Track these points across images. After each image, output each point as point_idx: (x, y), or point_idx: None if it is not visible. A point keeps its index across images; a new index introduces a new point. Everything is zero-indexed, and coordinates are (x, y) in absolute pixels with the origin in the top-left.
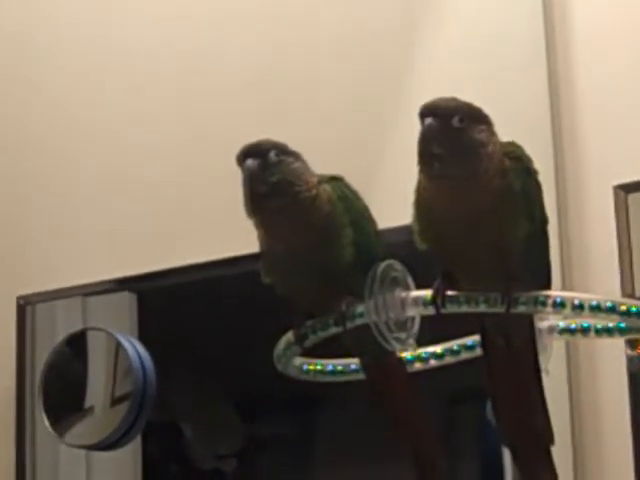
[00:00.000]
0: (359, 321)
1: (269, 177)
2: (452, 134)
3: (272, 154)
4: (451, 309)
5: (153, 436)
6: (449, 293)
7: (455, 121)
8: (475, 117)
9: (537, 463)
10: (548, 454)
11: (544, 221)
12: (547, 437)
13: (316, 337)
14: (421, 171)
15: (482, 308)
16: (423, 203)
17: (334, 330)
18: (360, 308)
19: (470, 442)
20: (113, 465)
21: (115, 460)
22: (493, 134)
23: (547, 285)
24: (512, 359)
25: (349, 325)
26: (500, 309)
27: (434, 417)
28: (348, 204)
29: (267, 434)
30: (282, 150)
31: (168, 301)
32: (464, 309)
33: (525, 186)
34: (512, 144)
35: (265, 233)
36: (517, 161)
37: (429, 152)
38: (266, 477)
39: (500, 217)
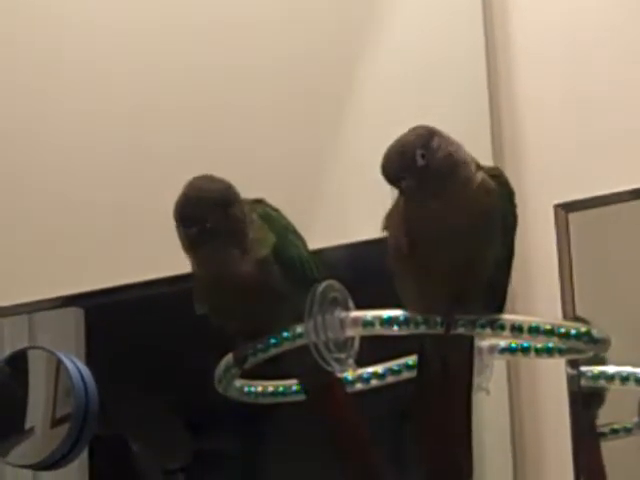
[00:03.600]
0: (299, 342)
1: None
2: None
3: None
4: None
5: (100, 452)
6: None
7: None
8: None
9: None
10: None
11: (512, 252)
12: (466, 470)
13: (256, 359)
14: None
15: (422, 329)
16: (398, 215)
17: (274, 351)
18: (299, 329)
19: None
20: None
21: (62, 475)
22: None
23: (499, 311)
24: (446, 386)
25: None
26: (439, 331)
27: (376, 436)
28: (271, 222)
29: (216, 449)
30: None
31: (116, 318)
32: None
33: (505, 212)
34: (497, 168)
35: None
36: (504, 186)
37: None
38: None
39: (475, 236)
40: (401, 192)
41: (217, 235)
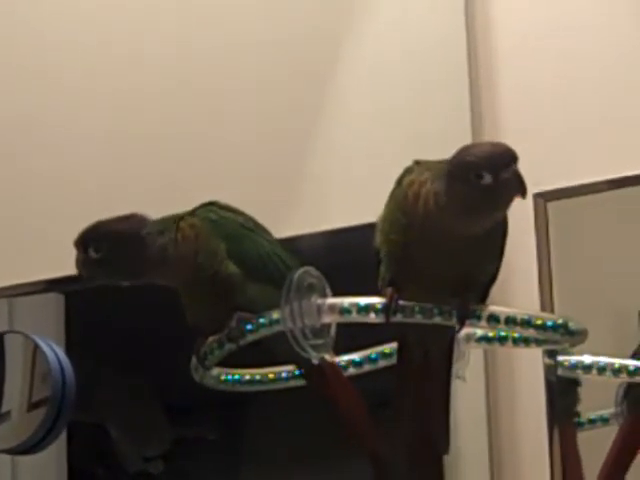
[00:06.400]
0: (250, 337)
1: (97, 273)
2: None
3: (91, 251)
4: (400, 318)
5: (79, 438)
6: (402, 303)
7: None
8: None
9: (428, 469)
10: (440, 462)
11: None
12: (443, 445)
13: (214, 357)
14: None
15: (437, 320)
16: (416, 211)
17: (229, 347)
18: (275, 315)
19: None
20: (38, 467)
21: (40, 462)
22: None
23: (481, 302)
24: (427, 368)
25: (241, 342)
26: (451, 322)
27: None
28: (217, 223)
29: (196, 436)
30: (106, 238)
31: (96, 303)
32: (418, 319)
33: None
34: None
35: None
36: None
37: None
38: (193, 479)
39: (489, 249)
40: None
41: (111, 264)
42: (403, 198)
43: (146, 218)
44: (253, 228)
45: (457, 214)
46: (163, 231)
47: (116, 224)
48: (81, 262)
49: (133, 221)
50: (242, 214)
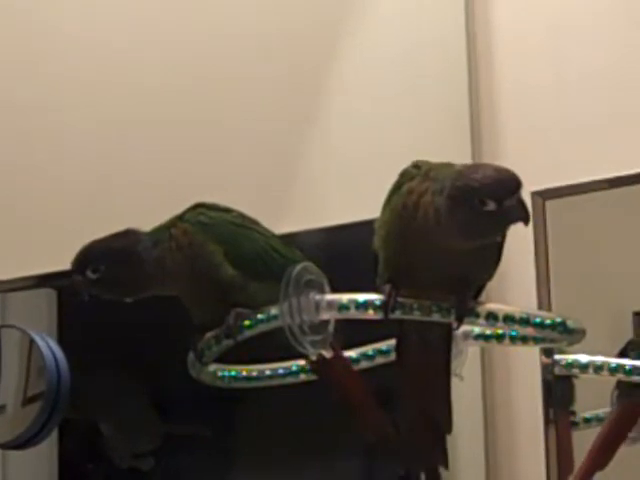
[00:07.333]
0: (248, 333)
1: (97, 292)
2: None
3: (89, 272)
4: (398, 315)
5: (70, 434)
6: (400, 299)
7: None
8: None
9: (433, 449)
10: (443, 441)
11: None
12: (446, 425)
13: (211, 353)
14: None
15: (435, 317)
16: (414, 222)
17: (226, 343)
18: (274, 310)
19: None
20: (29, 463)
21: (31, 458)
22: None
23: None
24: (426, 355)
25: (239, 337)
26: (450, 320)
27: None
28: (209, 226)
29: (186, 433)
30: (103, 258)
31: (89, 299)
32: (416, 316)
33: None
34: None
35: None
36: None
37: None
38: (184, 476)
39: (486, 256)
40: (506, 209)
41: (110, 284)
42: (402, 207)
43: (140, 232)
44: (244, 224)
45: (456, 235)
46: (157, 242)
47: (112, 242)
48: (80, 283)
49: (128, 238)
50: (230, 211)
